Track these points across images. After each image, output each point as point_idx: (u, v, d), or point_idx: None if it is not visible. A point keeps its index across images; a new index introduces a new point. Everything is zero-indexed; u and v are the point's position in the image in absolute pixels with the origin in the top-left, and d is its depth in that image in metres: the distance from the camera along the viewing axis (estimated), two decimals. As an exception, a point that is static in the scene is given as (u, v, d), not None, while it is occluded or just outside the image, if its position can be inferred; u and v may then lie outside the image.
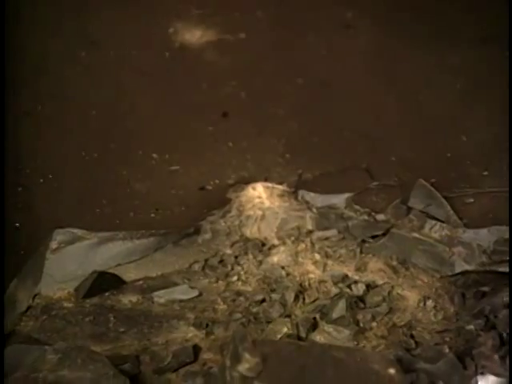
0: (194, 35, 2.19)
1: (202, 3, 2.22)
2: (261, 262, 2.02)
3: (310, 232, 2.02)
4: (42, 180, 2.17)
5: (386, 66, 2.18)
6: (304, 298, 1.87)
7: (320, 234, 2.00)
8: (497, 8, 2.41)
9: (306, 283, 1.92)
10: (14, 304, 1.97)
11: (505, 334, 1.72)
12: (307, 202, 2.08)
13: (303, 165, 2.17)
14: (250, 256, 2.02)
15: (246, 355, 1.43)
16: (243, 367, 1.42)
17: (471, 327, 1.81)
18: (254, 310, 1.87)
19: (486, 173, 2.12)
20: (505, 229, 1.97)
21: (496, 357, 1.63)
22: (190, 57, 2.19)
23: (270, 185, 2.15)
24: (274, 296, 1.91)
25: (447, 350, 1.69)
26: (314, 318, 1.80)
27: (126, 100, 2.31)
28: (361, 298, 1.88)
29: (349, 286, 1.90)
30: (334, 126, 2.21)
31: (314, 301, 1.86)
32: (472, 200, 2.07)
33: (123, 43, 2.31)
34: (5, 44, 2.27)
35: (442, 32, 2.34)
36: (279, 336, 1.73)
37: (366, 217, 2.03)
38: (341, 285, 1.91)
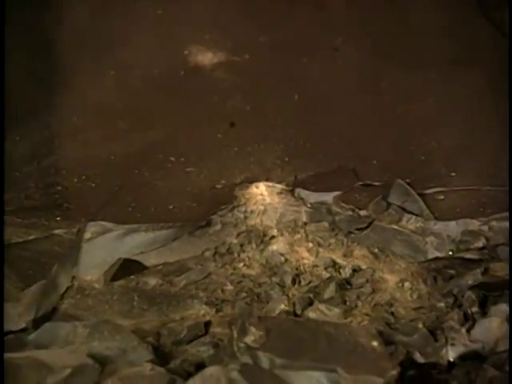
0: (205, 57, 2.20)
1: (212, 30, 2.23)
2: (262, 250, 2.02)
3: (305, 224, 2.00)
4: (76, 180, 2.18)
5: (369, 82, 2.19)
6: (300, 281, 1.86)
7: (313, 225, 1.99)
8: (469, 33, 2.44)
9: (302, 268, 1.91)
10: (56, 286, 1.98)
11: (469, 311, 1.72)
12: (302, 199, 2.07)
13: (299, 167, 2.17)
14: (254, 245, 2.02)
15: (252, 329, 1.44)
16: (249, 339, 1.43)
17: (441, 305, 1.80)
18: (257, 290, 1.86)
19: (453, 174, 2.12)
20: (470, 221, 1.98)
21: (463, 330, 1.63)
22: (203, 75, 2.19)
23: (270, 184, 2.14)
24: (274, 279, 1.89)
25: (421, 326, 1.69)
26: (309, 298, 1.80)
27: (148, 111, 2.32)
28: (348, 281, 1.88)
29: (337, 270, 1.90)
30: (325, 133, 2.21)
31: (308, 283, 1.86)
32: (442, 197, 2.06)
33: (147, 64, 2.33)
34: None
35: (419, 54, 2.37)
36: (278, 312, 1.74)
37: (350, 212, 2.02)
38: (330, 269, 1.91)
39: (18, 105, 2.23)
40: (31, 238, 2.03)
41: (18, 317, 1.82)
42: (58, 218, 2.07)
